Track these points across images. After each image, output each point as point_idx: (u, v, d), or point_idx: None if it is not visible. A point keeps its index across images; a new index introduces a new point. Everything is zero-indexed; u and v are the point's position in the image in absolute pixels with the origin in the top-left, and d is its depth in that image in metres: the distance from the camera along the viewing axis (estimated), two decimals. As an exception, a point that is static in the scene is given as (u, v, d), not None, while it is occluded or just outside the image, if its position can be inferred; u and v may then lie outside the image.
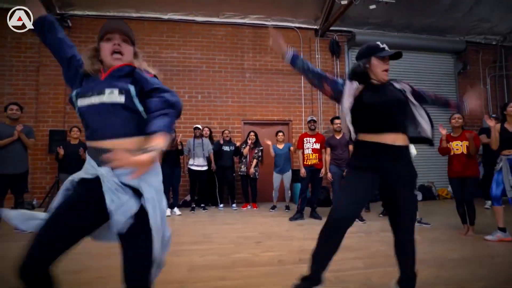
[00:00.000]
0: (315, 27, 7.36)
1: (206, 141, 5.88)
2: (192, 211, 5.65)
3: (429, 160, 7.14)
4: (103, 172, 1.14)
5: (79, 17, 6.54)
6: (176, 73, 6.84)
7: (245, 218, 5.07)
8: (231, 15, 7.03)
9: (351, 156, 1.96)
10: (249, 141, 6.06)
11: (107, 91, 1.18)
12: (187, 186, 6.06)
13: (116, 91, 1.18)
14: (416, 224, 4.13)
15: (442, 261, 2.74)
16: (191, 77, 6.93)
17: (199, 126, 5.89)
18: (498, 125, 3.53)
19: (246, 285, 2.25)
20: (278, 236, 3.78)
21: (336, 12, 6.52)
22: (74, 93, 1.24)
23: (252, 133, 6.15)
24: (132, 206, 1.12)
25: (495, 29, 7.91)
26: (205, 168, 5.76)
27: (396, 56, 1.74)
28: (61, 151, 5.06)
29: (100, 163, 1.16)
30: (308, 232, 3.95)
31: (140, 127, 1.17)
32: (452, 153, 3.84)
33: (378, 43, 1.78)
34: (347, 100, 1.73)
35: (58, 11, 6.33)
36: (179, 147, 5.45)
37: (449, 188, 5.65)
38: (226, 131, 6.17)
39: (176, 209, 5.43)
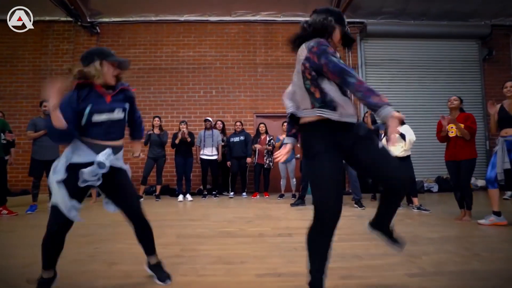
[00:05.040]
0: (326, 19, 7.41)
1: (216, 132, 6.24)
2: (204, 198, 6.07)
3: (448, 151, 6.85)
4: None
5: (106, 24, 7.27)
6: (192, 71, 7.32)
7: (249, 204, 5.37)
8: (243, 13, 7.34)
9: None
10: (261, 135, 6.37)
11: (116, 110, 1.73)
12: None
13: (120, 110, 1.75)
14: (415, 210, 4.20)
15: (415, 238, 2.81)
16: (206, 74, 7.37)
17: (209, 118, 6.28)
18: (499, 105, 3.45)
19: (219, 249, 2.55)
20: (270, 217, 4.04)
21: (343, 3, 6.54)
22: (87, 110, 1.62)
23: (262, 125, 6.42)
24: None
25: (527, 10, 7.34)
26: (214, 157, 6.12)
27: None
28: None
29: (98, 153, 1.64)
30: (302, 215, 4.16)
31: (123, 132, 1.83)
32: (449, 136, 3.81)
33: None
34: None
35: (88, 20, 7.11)
36: (188, 140, 5.82)
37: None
38: (238, 123, 6.47)
39: (188, 196, 5.88)
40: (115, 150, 1.72)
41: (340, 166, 1.48)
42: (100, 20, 7.24)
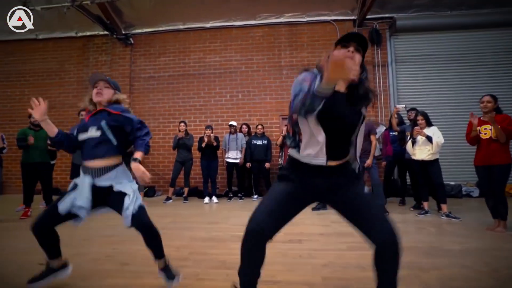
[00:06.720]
0: (353, 17, 7.18)
1: (240, 135, 6.36)
2: (229, 200, 6.23)
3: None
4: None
5: (139, 35, 7.76)
6: (219, 76, 7.53)
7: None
8: (267, 15, 7.38)
9: None
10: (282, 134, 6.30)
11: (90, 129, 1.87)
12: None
13: (94, 128, 1.86)
14: (444, 218, 3.93)
15: (431, 250, 2.66)
16: (232, 78, 7.53)
17: (234, 123, 6.42)
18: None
19: (226, 254, 2.64)
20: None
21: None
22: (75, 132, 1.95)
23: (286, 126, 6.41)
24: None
25: None
26: (238, 160, 6.25)
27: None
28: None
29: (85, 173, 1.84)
30: (320, 220, 4.12)
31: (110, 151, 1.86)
32: (480, 139, 3.52)
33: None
34: None
35: (123, 32, 7.65)
36: (214, 144, 6.01)
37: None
38: (259, 126, 6.52)
39: (214, 198, 6.08)
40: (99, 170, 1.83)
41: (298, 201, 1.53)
42: (133, 31, 7.74)
